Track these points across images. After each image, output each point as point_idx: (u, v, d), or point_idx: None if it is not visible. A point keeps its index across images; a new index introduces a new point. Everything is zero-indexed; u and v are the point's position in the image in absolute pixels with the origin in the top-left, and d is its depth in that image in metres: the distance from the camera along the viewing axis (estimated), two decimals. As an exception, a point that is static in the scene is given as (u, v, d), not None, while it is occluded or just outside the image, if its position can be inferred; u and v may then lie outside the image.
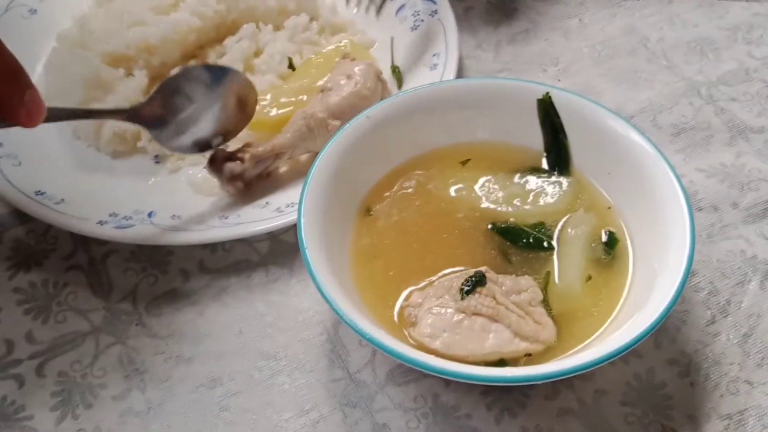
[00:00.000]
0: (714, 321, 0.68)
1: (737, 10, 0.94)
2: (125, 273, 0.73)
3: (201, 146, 0.75)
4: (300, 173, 0.78)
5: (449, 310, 0.63)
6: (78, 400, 0.65)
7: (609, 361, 0.55)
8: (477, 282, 0.64)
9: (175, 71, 0.79)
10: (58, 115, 0.68)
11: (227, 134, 0.76)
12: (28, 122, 0.62)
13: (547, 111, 0.72)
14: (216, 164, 0.74)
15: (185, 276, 0.73)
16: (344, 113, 0.77)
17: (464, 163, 0.74)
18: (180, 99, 0.73)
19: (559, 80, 0.88)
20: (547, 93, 0.72)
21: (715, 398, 0.64)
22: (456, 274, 0.66)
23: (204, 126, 0.74)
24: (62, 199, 0.74)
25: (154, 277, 0.73)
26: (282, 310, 0.70)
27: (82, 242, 0.75)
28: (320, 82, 0.82)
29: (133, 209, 0.74)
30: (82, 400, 0.65)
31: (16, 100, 0.60)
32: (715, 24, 0.93)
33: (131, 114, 0.72)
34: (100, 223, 0.72)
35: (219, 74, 0.74)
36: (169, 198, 0.76)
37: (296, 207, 0.73)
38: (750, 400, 0.64)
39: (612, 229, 0.69)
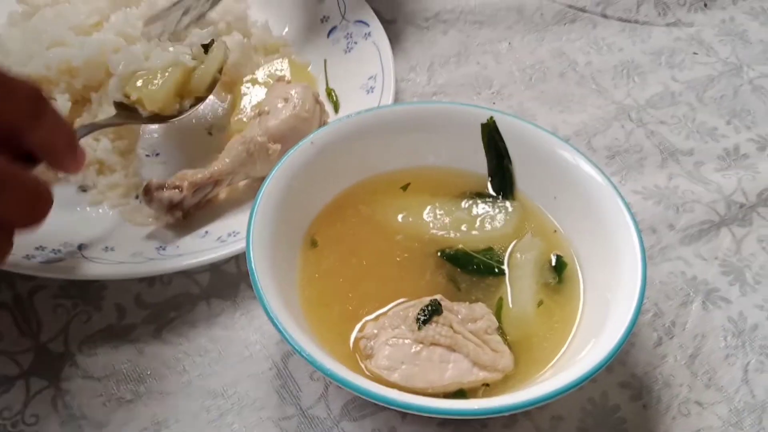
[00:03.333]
0: (661, 342, 0.69)
1: (659, 35, 0.97)
2: (55, 310, 0.69)
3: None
4: (239, 201, 0.75)
5: (407, 341, 0.61)
6: (9, 451, 0.61)
7: (569, 391, 0.55)
8: (433, 311, 0.62)
9: None
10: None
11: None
12: (75, 169, 0.60)
13: (492, 135, 0.72)
14: (152, 193, 0.70)
15: (121, 312, 0.69)
16: (284, 136, 0.75)
17: (405, 187, 0.73)
18: None
19: (494, 103, 0.88)
20: (492, 117, 0.72)
21: (668, 420, 0.64)
22: (410, 303, 0.64)
23: None
24: (-18, 233, 0.69)
25: (87, 314, 0.68)
26: (227, 345, 0.67)
27: (6, 278, 0.70)
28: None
29: (62, 242, 0.69)
30: (13, 451, 0.61)
31: (65, 150, 0.57)
32: (639, 48, 0.95)
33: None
34: (27, 257, 0.67)
35: None
36: (100, 229, 0.72)
37: (238, 236, 0.70)
38: (701, 422, 0.64)
39: (559, 253, 0.69)
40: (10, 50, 0.79)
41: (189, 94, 0.78)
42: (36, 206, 0.52)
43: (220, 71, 0.80)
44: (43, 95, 0.53)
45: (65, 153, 0.57)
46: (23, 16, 0.85)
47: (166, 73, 0.76)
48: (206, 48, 0.79)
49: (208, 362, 0.66)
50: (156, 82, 0.75)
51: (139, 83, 0.75)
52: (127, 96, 0.75)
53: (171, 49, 0.78)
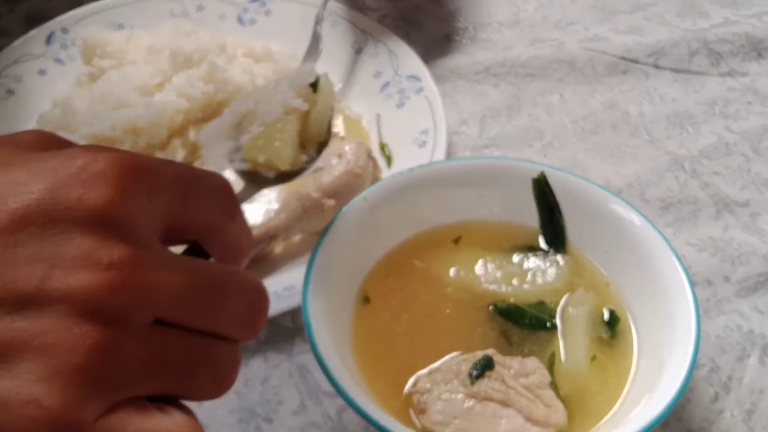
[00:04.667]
0: (717, 398, 0.68)
1: (712, 85, 0.97)
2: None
3: None
4: (294, 255, 0.77)
5: (459, 396, 0.62)
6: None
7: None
8: (486, 366, 0.63)
9: None
10: None
11: None
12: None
13: (543, 190, 0.73)
14: (210, 248, 0.72)
15: (180, 365, 0.71)
16: (338, 192, 0.76)
17: (456, 241, 0.74)
18: None
19: (546, 156, 0.88)
20: (542, 172, 0.72)
21: (726, 478, 0.64)
22: (462, 358, 0.65)
23: None
24: None
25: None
26: (283, 399, 0.68)
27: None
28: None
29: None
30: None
31: (246, 251, 0.50)
32: (692, 98, 0.95)
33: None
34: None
35: None
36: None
37: (294, 291, 0.72)
38: (760, 479, 0.63)
39: (612, 307, 0.69)
40: (78, 111, 0.82)
41: (310, 142, 0.72)
42: (259, 313, 0.45)
43: (332, 108, 0.75)
44: (188, 169, 0.45)
45: (246, 254, 0.50)
46: (90, 78, 0.89)
47: (285, 125, 0.70)
48: (313, 86, 0.73)
49: (264, 416, 0.67)
50: (279, 137, 0.69)
51: (260, 142, 0.69)
52: (251, 161, 0.69)
53: (279, 96, 0.71)
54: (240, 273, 0.44)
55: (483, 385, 0.62)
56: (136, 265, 0.38)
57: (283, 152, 0.70)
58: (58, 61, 0.93)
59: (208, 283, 0.42)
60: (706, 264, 0.78)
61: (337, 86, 0.94)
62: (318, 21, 0.92)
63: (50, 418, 0.35)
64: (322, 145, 0.73)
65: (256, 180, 0.69)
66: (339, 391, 0.57)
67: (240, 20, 0.99)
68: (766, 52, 1.00)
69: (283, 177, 0.70)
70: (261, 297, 0.45)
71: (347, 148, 0.79)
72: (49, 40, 0.94)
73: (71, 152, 0.40)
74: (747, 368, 0.70)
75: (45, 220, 0.37)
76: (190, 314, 0.41)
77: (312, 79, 0.73)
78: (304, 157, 0.72)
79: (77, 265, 0.37)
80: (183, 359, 0.40)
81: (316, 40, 0.91)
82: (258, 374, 0.70)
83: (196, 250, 0.47)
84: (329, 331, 0.62)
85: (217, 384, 0.43)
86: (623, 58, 0.99)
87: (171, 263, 0.40)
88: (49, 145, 0.43)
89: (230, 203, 0.47)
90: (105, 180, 0.39)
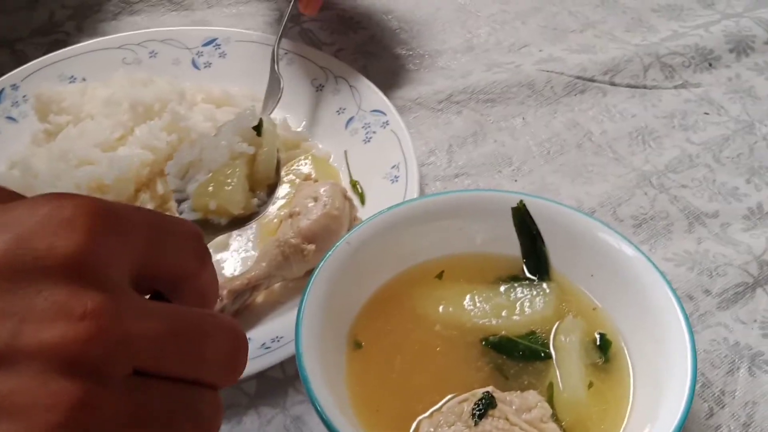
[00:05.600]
0: (713, 413, 0.69)
1: (668, 98, 0.98)
2: None
3: None
4: (275, 304, 0.76)
5: (464, 438, 0.61)
6: None
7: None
8: (488, 404, 0.62)
9: None
10: None
11: None
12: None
13: (523, 218, 0.73)
14: (192, 305, 0.70)
15: (171, 428, 0.68)
16: (317, 236, 0.75)
17: (440, 276, 0.73)
18: None
19: (516, 180, 0.89)
20: (521, 201, 0.73)
21: (731, 494, 0.64)
22: (462, 398, 0.64)
23: None
24: None
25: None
26: (281, 454, 0.67)
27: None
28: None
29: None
30: None
31: (216, 295, 0.47)
32: (650, 113, 0.96)
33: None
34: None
35: None
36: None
37: (282, 341, 0.71)
38: (764, 492, 0.64)
39: (602, 331, 0.69)
40: (38, 171, 0.80)
41: (259, 185, 0.73)
42: (239, 355, 0.42)
43: (277, 150, 0.74)
44: (159, 216, 0.43)
45: (215, 302, 0.47)
46: (47, 135, 0.86)
47: (234, 170, 0.70)
48: (257, 130, 0.73)
49: (264, 473, 0.66)
50: (229, 182, 0.69)
51: (210, 189, 0.69)
52: (200, 209, 0.68)
53: (223, 143, 0.71)
54: (216, 315, 0.42)
55: (487, 425, 0.61)
56: (112, 314, 0.36)
57: (234, 196, 0.69)
58: (11, 119, 0.90)
59: (187, 328, 0.39)
60: (685, 278, 0.78)
61: (301, 124, 0.93)
62: (274, 60, 0.91)
63: None
64: (272, 188, 0.73)
65: (207, 228, 0.68)
66: (343, 444, 0.56)
67: (195, 64, 0.97)
68: (717, 62, 1.02)
69: (235, 223, 0.70)
70: (239, 338, 0.42)
71: (322, 190, 0.78)
72: (-1, 98, 0.91)
73: (35, 200, 0.37)
74: (738, 381, 0.71)
75: (12, 272, 0.34)
76: (171, 361, 0.38)
77: (255, 123, 0.73)
78: (255, 201, 0.72)
79: (49, 317, 0.34)
80: (166, 411, 0.38)
81: (274, 79, 0.90)
82: (253, 430, 0.68)
83: (159, 299, 0.44)
84: (325, 382, 0.61)
85: None
86: (580, 78, 1.00)
87: (147, 310, 0.38)
88: (3, 198, 0.40)
89: (201, 249, 0.44)
90: (73, 227, 0.36)
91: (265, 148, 0.72)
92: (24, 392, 0.33)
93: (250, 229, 0.82)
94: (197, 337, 0.39)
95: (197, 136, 0.82)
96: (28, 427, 0.33)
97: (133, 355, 0.36)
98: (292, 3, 0.96)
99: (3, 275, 0.34)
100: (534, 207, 0.73)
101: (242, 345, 0.42)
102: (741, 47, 1.03)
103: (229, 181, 0.69)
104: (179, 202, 0.71)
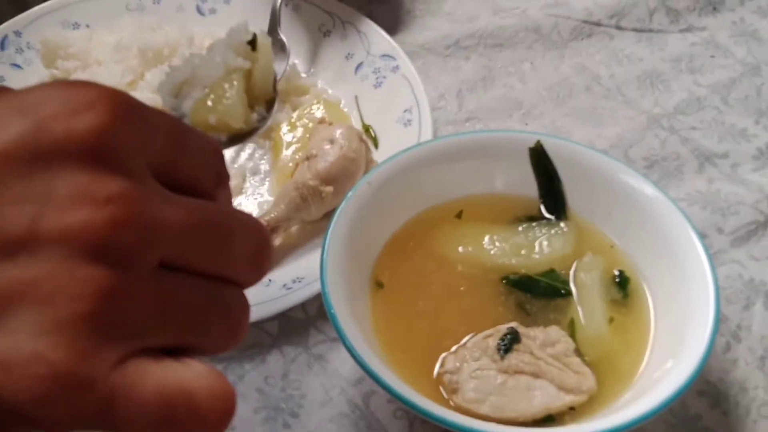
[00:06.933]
0: (730, 347, 0.70)
1: (675, 42, 0.98)
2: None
3: None
4: (294, 246, 0.76)
5: (491, 372, 0.62)
6: None
7: (661, 411, 0.55)
8: (513, 339, 0.63)
9: None
10: None
11: None
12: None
13: (540, 158, 0.73)
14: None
15: (197, 369, 0.69)
16: (334, 178, 0.75)
17: (459, 215, 0.74)
18: None
19: (527, 124, 0.89)
20: (539, 141, 0.73)
21: (749, 424, 0.65)
22: (486, 333, 0.65)
23: None
24: None
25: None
26: (306, 392, 0.67)
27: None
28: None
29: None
30: None
31: (218, 179, 0.42)
32: (657, 56, 0.96)
33: None
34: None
35: None
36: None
37: (304, 282, 0.71)
38: (783, 421, 0.65)
39: (620, 268, 0.69)
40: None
41: (258, 101, 0.71)
42: (265, 253, 0.40)
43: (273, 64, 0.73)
44: (182, 124, 0.40)
45: (218, 183, 0.42)
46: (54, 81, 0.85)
47: (232, 83, 0.68)
48: (252, 45, 0.72)
49: (290, 411, 0.66)
50: (228, 96, 0.67)
51: (208, 104, 0.66)
52: (199, 125, 0.66)
53: (218, 59, 0.69)
54: (241, 212, 0.40)
55: (513, 358, 0.62)
56: (139, 199, 0.33)
57: (234, 110, 0.67)
58: (15, 66, 0.89)
59: (214, 221, 0.37)
60: (698, 217, 0.79)
61: (310, 70, 0.92)
62: (277, 21, 0.90)
63: (58, 374, 0.31)
64: (270, 103, 0.71)
65: None
66: (373, 377, 0.56)
67: (199, 11, 0.96)
68: (721, 6, 1.02)
69: (236, 139, 0.68)
70: (265, 236, 0.40)
71: (338, 133, 0.77)
72: (2, 45, 0.89)
73: (52, 85, 0.34)
74: (754, 316, 0.72)
75: (29, 156, 0.32)
76: (199, 253, 0.36)
77: (249, 38, 0.71)
78: (255, 116, 0.71)
79: (72, 201, 0.32)
80: (196, 304, 0.36)
81: (274, 17, 0.89)
82: (277, 370, 0.69)
83: None
84: (352, 319, 0.62)
85: (232, 332, 0.38)
86: (586, 22, 1.00)
87: (174, 199, 0.36)
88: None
89: (222, 169, 0.41)
90: (95, 110, 0.33)
91: (261, 62, 0.70)
92: (48, 280, 0.31)
93: (266, 175, 0.82)
94: (224, 232, 0.38)
95: (189, 54, 0.81)
96: (54, 316, 0.31)
97: (162, 243, 0.34)
98: None
99: (21, 160, 0.32)
100: (551, 147, 0.73)
101: (268, 243, 0.40)
102: (745, -9, 1.03)
103: (227, 95, 0.67)
104: None
